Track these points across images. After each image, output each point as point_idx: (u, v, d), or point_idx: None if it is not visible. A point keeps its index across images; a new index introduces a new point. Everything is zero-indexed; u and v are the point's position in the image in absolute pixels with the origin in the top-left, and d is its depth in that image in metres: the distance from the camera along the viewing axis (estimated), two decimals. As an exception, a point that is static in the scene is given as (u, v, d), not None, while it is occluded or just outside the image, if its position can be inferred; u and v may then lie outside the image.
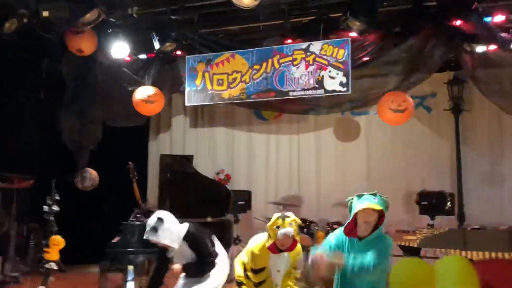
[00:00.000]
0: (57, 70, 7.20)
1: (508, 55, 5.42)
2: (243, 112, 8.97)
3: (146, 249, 5.79)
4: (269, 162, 8.87)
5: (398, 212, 7.72)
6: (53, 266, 4.78)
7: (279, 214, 3.64)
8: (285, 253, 3.67)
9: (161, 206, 6.50)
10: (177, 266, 3.88)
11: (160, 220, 3.84)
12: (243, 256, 3.86)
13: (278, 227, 3.53)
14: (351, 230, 3.29)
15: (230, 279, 7.41)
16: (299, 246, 3.73)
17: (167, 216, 3.93)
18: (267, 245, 3.58)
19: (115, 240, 6.23)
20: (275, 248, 3.62)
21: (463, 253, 5.74)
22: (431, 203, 7.02)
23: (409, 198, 7.73)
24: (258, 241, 3.73)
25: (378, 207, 3.19)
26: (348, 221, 3.28)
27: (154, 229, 3.80)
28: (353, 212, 3.24)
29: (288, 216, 3.59)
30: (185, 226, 4.01)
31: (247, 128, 9.11)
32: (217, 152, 9.22)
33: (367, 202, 3.21)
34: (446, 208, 6.94)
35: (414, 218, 7.54)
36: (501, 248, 5.48)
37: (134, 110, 6.87)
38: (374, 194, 3.27)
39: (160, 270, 4.11)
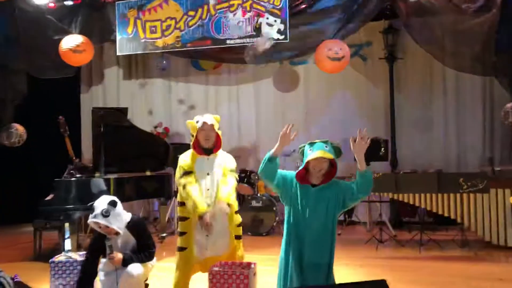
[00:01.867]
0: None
1: (439, 3, 5.52)
2: (180, 62, 8.71)
3: (82, 206, 5.64)
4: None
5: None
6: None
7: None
8: (214, 158, 3.69)
9: (96, 161, 6.28)
10: (117, 257, 3.68)
11: (112, 203, 3.69)
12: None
13: (197, 122, 3.64)
14: (303, 177, 3.26)
15: (172, 231, 7.43)
16: (228, 154, 3.79)
17: (118, 201, 3.78)
18: (191, 129, 3.68)
19: (49, 197, 6.00)
20: (200, 149, 3.63)
21: (395, 195, 6.04)
22: (366, 149, 7.23)
23: (345, 145, 7.92)
24: (182, 158, 3.77)
25: (330, 156, 3.19)
26: (300, 168, 3.25)
27: (106, 212, 3.63)
28: (305, 160, 3.21)
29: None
30: (129, 214, 3.89)
31: (184, 79, 8.88)
32: (153, 105, 8.98)
33: (319, 151, 3.18)
34: (381, 154, 7.19)
35: (350, 165, 7.79)
36: (430, 189, 5.81)
37: (62, 60, 6.45)
38: (325, 142, 3.26)
39: (88, 275, 3.80)
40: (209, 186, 3.68)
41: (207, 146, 3.68)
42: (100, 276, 3.75)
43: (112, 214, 3.64)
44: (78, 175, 6.23)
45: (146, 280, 3.92)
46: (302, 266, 3.18)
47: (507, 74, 5.55)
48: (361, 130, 3.27)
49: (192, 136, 3.75)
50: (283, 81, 8.34)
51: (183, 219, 3.77)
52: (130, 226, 3.80)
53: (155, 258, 3.99)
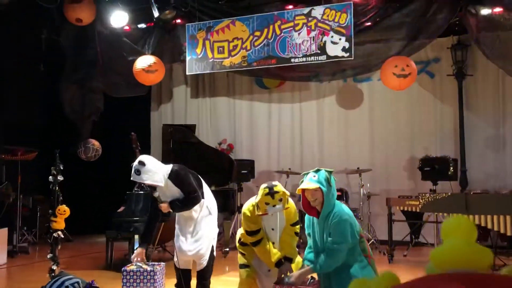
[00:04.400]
0: (57, 41, 7.13)
1: (510, 16, 5.32)
2: (244, 81, 8.92)
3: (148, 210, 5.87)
4: (271, 131, 8.87)
5: (401, 178, 7.78)
6: (61, 235, 4.83)
7: (266, 185, 3.51)
8: (277, 214, 3.68)
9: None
10: (164, 204, 4.13)
11: (141, 163, 4.05)
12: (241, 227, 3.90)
13: (267, 203, 3.48)
14: (308, 208, 3.35)
15: (234, 245, 7.54)
16: (291, 202, 3.70)
17: (148, 159, 4.14)
18: (257, 213, 3.56)
19: (121, 209, 6.31)
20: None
21: (465, 216, 5.79)
22: (434, 168, 7.03)
23: (412, 164, 7.76)
24: (248, 204, 3.72)
25: (313, 186, 3.18)
26: (300, 201, 3.38)
27: (137, 171, 4.03)
28: (297, 191, 3.35)
29: (277, 192, 3.46)
30: (170, 166, 4.24)
31: (248, 97, 9.07)
32: (219, 122, 9.22)
33: (304, 183, 3.26)
34: (449, 173, 6.96)
35: (417, 184, 7.59)
36: (503, 211, 5.52)
37: (135, 80, 6.83)
38: (316, 171, 3.28)
39: (152, 220, 4.38)
40: (274, 240, 3.70)
41: None
42: None
43: (143, 171, 4.02)
44: (147, 189, 6.51)
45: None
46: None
47: None
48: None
49: (259, 208, 3.61)
50: (347, 98, 8.31)
51: (243, 266, 3.86)
52: (172, 177, 4.16)
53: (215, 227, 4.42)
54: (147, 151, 8.98)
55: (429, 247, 7.38)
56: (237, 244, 3.93)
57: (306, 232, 3.47)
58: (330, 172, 3.30)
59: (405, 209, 6.60)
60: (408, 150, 7.97)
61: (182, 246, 4.30)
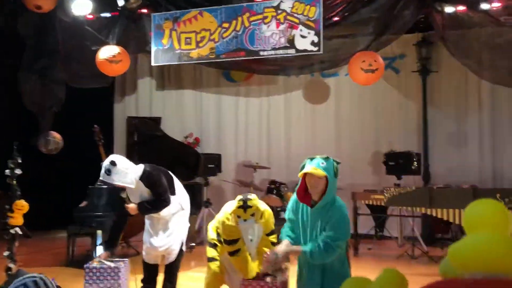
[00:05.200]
0: (15, 29, 6.80)
1: (477, 15, 5.43)
2: (211, 73, 8.81)
3: (114, 212, 5.71)
4: (239, 124, 8.81)
5: (366, 173, 7.88)
6: (18, 231, 4.63)
7: (241, 197, 3.45)
8: (253, 222, 3.52)
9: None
10: (132, 206, 4.07)
11: (112, 163, 3.97)
12: (216, 223, 3.80)
13: (239, 216, 3.42)
14: (303, 195, 3.18)
15: (201, 240, 7.46)
16: (268, 212, 3.60)
17: (119, 159, 4.06)
18: (229, 224, 3.50)
19: (83, 204, 6.12)
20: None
21: (429, 210, 5.91)
22: (398, 163, 7.16)
23: (377, 158, 7.87)
24: (226, 212, 3.61)
25: (320, 173, 3.02)
26: (297, 185, 3.18)
27: (108, 171, 3.95)
28: (299, 174, 3.13)
29: (250, 206, 3.40)
30: (141, 166, 4.15)
31: (215, 90, 8.97)
32: (185, 115, 9.08)
33: (311, 167, 3.05)
34: (413, 168, 7.09)
35: (381, 178, 7.70)
36: (465, 205, 5.64)
37: (98, 70, 6.60)
38: (326, 158, 3.11)
39: (118, 224, 4.32)
40: (252, 251, 3.59)
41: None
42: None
43: (114, 172, 3.93)
44: (110, 183, 6.33)
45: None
46: (302, 275, 3.24)
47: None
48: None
49: (232, 219, 3.56)
50: (314, 93, 8.34)
51: (212, 259, 3.76)
52: (143, 178, 4.08)
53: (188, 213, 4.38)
54: (110, 144, 8.77)
55: (393, 240, 7.52)
56: (209, 237, 3.84)
57: (287, 216, 3.31)
58: (338, 163, 3.17)
59: (370, 203, 6.69)
60: (373, 145, 8.08)
61: (153, 242, 4.24)
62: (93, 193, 6.15)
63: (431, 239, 7.41)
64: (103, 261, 4.11)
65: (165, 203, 4.11)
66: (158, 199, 4.09)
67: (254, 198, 3.47)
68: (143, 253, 4.37)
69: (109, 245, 4.27)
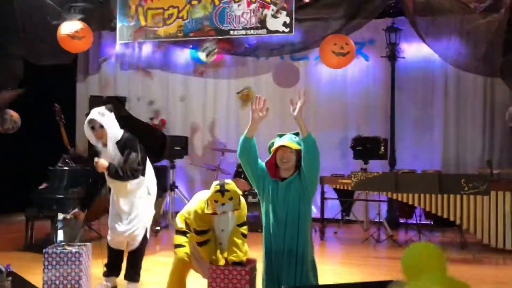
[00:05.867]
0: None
1: (447, 2, 5.44)
2: (179, 54, 8.57)
3: (76, 196, 5.51)
4: (207, 107, 8.64)
5: (333, 157, 7.90)
6: (-28, 214, 4.38)
7: (218, 182, 3.37)
8: (229, 212, 3.45)
9: (91, 151, 6.14)
10: (103, 162, 3.83)
11: (109, 108, 3.86)
12: (185, 213, 3.67)
13: (216, 201, 3.33)
14: (273, 170, 3.16)
15: (166, 224, 7.32)
16: (242, 202, 3.52)
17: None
18: (206, 212, 3.39)
19: (42, 186, 5.87)
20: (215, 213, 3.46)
21: (395, 195, 5.96)
22: (365, 148, 7.19)
23: (344, 143, 7.90)
24: (200, 201, 3.50)
25: (295, 146, 3.06)
26: (267, 159, 3.15)
27: (102, 114, 3.81)
28: (272, 149, 3.13)
29: (227, 190, 3.32)
30: (121, 131, 4.00)
31: (183, 71, 8.75)
32: (151, 96, 8.84)
33: (286, 140, 3.09)
34: (380, 153, 7.15)
35: (348, 163, 7.74)
36: (430, 190, 5.74)
37: (59, 47, 6.29)
38: (296, 134, 3.14)
39: (95, 187, 4.18)
40: (223, 241, 3.50)
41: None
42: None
43: (108, 115, 3.81)
44: (73, 165, 6.11)
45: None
46: (271, 258, 3.15)
47: (514, 75, 5.48)
48: (300, 91, 3.13)
49: (208, 206, 3.40)
50: (283, 76, 8.24)
51: (178, 246, 3.65)
52: (120, 141, 3.91)
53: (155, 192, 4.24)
54: (72, 124, 8.46)
55: (358, 224, 7.59)
56: (177, 226, 3.72)
57: (259, 194, 3.24)
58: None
59: (338, 187, 6.71)
60: (341, 130, 8.10)
61: (117, 227, 4.09)
62: (53, 174, 5.90)
63: (395, 223, 7.53)
64: (64, 245, 3.95)
65: (136, 173, 3.93)
66: (130, 166, 3.89)
67: (231, 183, 3.39)
68: (108, 237, 4.22)
69: (84, 206, 4.16)
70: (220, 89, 8.61)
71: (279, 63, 8.12)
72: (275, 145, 3.13)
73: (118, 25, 6.20)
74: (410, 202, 5.99)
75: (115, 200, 4.13)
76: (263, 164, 3.23)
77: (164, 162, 7.67)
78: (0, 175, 7.54)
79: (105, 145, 3.89)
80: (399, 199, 6.02)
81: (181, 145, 7.66)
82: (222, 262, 3.38)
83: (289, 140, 3.10)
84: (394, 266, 5.24)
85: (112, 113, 3.91)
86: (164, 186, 7.46)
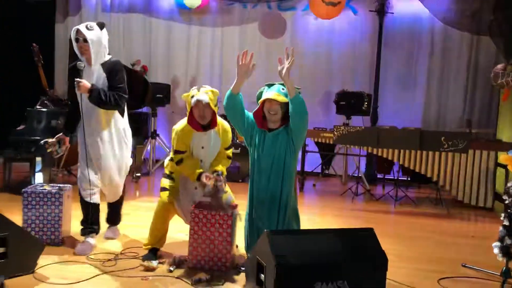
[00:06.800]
0: None
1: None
2: (163, -1, 8.29)
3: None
4: (190, 54, 8.45)
5: (316, 111, 7.88)
6: None
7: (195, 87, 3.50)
8: (211, 131, 3.52)
9: (70, 94, 5.99)
10: (85, 83, 3.46)
11: (101, 25, 3.58)
12: (173, 133, 3.64)
13: (193, 96, 3.38)
14: (261, 121, 3.17)
15: (146, 171, 7.30)
16: (226, 125, 3.61)
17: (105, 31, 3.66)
18: (183, 97, 3.48)
19: (20, 127, 5.73)
20: (197, 124, 3.46)
21: (375, 150, 6.02)
22: (349, 103, 7.19)
23: (328, 97, 7.87)
24: (182, 122, 3.55)
25: (283, 99, 3.04)
26: (255, 109, 3.15)
27: (90, 27, 3.51)
28: (260, 101, 3.12)
29: (204, 86, 3.45)
30: (109, 56, 3.70)
31: (167, 16, 8.47)
32: (132, 41, 8.58)
33: (273, 92, 3.06)
34: (363, 108, 7.16)
35: (331, 117, 7.75)
36: (411, 146, 5.81)
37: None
38: (283, 84, 3.09)
39: (73, 110, 3.76)
40: (203, 158, 3.57)
41: (203, 123, 3.46)
42: None
43: (96, 30, 3.51)
44: (52, 107, 5.96)
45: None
46: (255, 204, 3.25)
47: (503, 33, 5.46)
48: (288, 49, 3.09)
49: (187, 109, 3.52)
50: (269, 27, 8.07)
51: (163, 189, 3.63)
52: (106, 65, 3.61)
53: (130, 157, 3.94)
54: (51, 66, 8.21)
55: (337, 178, 7.70)
56: (166, 169, 3.73)
57: (247, 143, 3.31)
58: (298, 89, 3.08)
59: (319, 141, 6.74)
60: (326, 84, 8.05)
61: (92, 178, 3.69)
62: (32, 116, 5.76)
63: (373, 178, 7.67)
64: (43, 185, 3.90)
65: (121, 99, 3.58)
66: (114, 91, 3.56)
67: (207, 87, 3.50)
68: (80, 190, 3.74)
69: (67, 130, 3.83)
70: (204, 36, 8.38)
71: (266, 13, 7.94)
72: (263, 97, 3.11)
73: (100, -38, 5.90)
74: (390, 158, 6.07)
75: (90, 145, 3.73)
76: (251, 115, 3.22)
77: (146, 109, 7.57)
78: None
79: (90, 64, 3.58)
80: (380, 154, 6.09)
81: (163, 93, 7.52)
82: (199, 171, 3.44)
83: (277, 92, 3.07)
84: (370, 217, 5.38)
85: (104, 31, 3.57)
86: (145, 134, 7.40)
